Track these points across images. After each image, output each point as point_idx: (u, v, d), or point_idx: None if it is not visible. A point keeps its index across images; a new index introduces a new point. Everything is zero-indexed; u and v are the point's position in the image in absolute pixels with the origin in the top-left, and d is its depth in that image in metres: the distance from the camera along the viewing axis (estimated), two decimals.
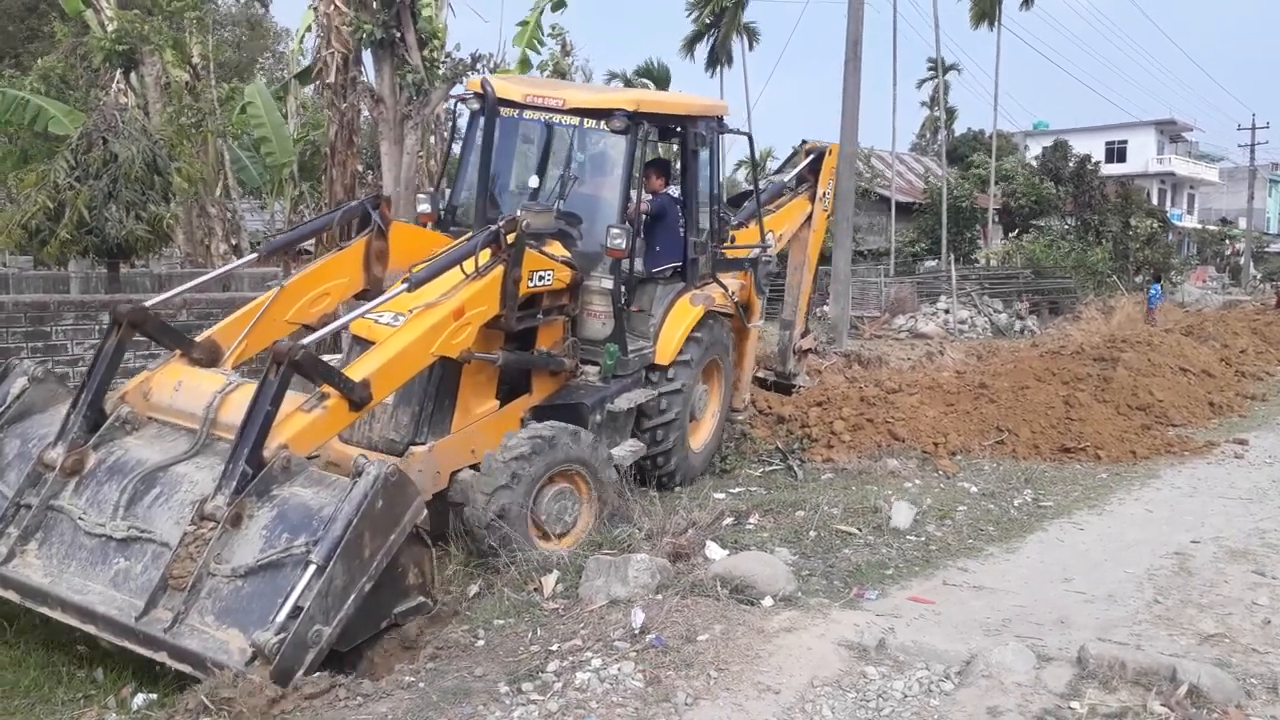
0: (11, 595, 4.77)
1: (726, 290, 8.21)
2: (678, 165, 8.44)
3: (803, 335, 10.58)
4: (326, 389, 5.10)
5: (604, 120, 7.05)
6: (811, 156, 10.35)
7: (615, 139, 7.24)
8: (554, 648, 4.62)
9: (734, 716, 4.02)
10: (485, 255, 6.08)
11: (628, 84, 39.45)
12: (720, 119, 8.25)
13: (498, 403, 6.66)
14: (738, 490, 7.87)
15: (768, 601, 5.11)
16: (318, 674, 4.50)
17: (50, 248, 10.29)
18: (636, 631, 4.63)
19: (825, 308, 18.21)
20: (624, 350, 7.17)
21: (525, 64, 15.91)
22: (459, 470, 6.19)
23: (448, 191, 7.97)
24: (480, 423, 6.48)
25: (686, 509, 6.55)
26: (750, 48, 40.48)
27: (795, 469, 8.55)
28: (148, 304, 5.63)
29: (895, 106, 42.32)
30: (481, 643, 4.82)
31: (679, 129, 7.84)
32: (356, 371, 5.29)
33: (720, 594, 5.05)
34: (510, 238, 6.11)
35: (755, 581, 5.16)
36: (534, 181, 7.75)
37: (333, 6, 12.74)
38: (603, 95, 7.73)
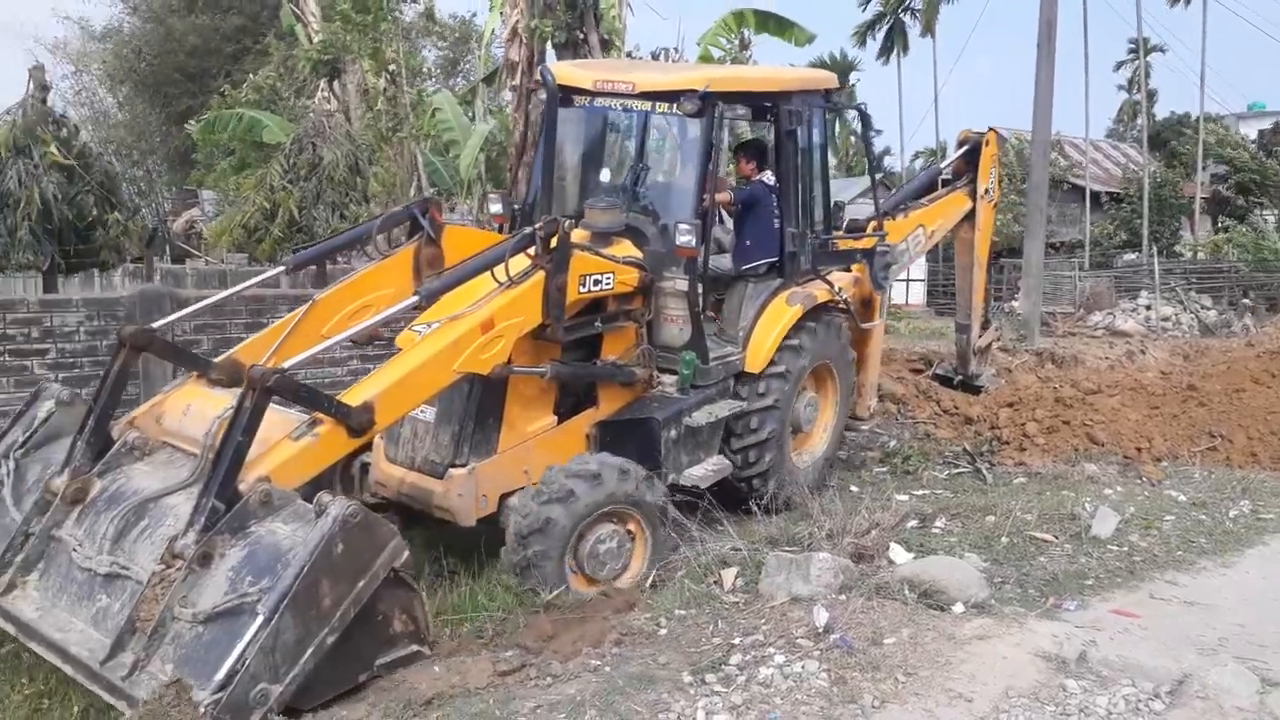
0: (10, 629, 4.57)
1: (833, 287, 7.40)
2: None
3: (982, 332, 10.07)
4: (319, 415, 4.67)
5: (675, 103, 6.34)
6: (966, 147, 9.45)
7: (690, 123, 6.62)
8: (736, 641, 4.63)
9: None
10: (522, 261, 5.58)
11: None
12: (826, 93, 7.45)
13: (555, 418, 6.14)
14: (922, 493, 7.63)
15: (958, 608, 4.94)
16: (510, 651, 4.70)
17: (265, 245, 11.16)
18: (820, 630, 4.57)
19: (1014, 303, 17.42)
20: (704, 358, 6.50)
21: (707, 60, 15.97)
22: (510, 493, 5.72)
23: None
24: (534, 440, 5.98)
25: (869, 509, 6.39)
26: (922, 34, 39.26)
27: (984, 472, 8.20)
28: (155, 324, 5.31)
29: (1088, 90, 39.97)
30: (664, 631, 4.86)
31: (770, 107, 7.07)
32: (358, 394, 4.82)
33: (908, 598, 4.93)
34: (551, 241, 5.59)
35: (945, 587, 5.00)
36: (605, 175, 7.12)
37: (517, 9, 13.18)
38: (676, 75, 6.96)
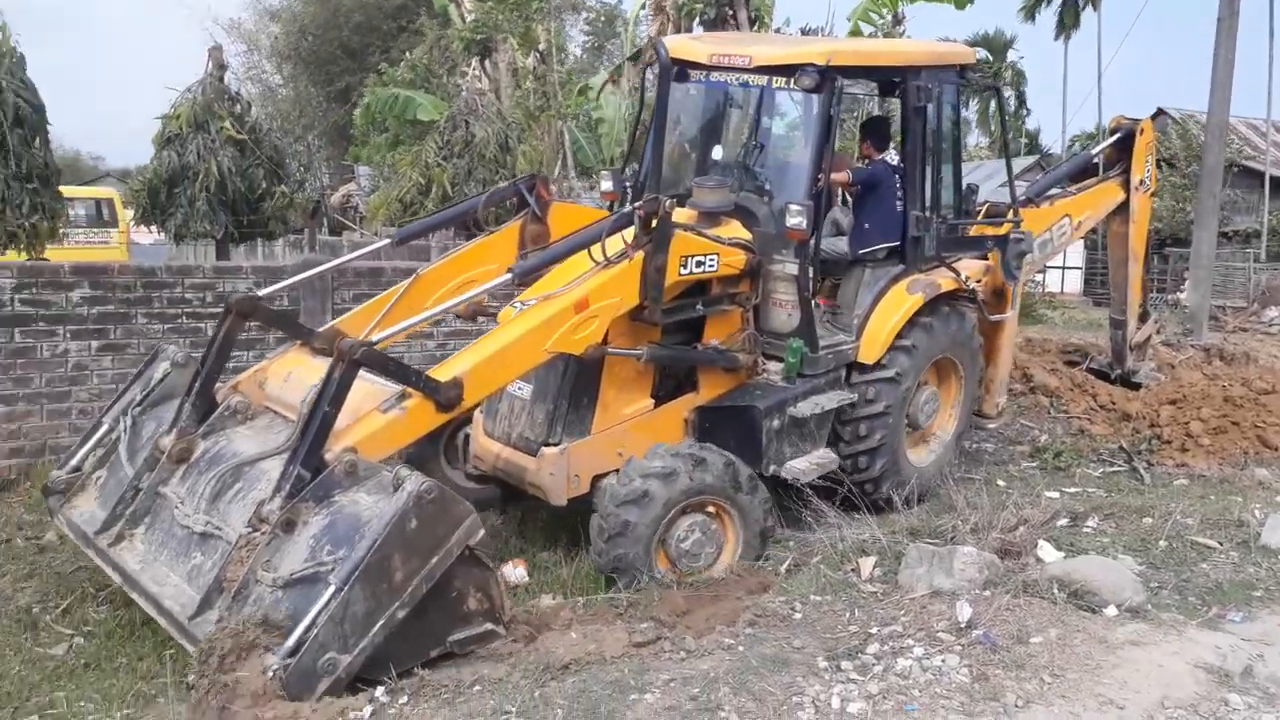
0: (116, 578, 4.81)
1: (959, 276, 6.90)
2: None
3: (1139, 326, 9.53)
4: (408, 389, 4.74)
5: (793, 78, 5.99)
6: (1119, 135, 8.82)
7: (808, 99, 6.21)
8: (873, 630, 4.55)
9: None
10: (620, 241, 5.47)
11: None
12: (961, 69, 6.93)
13: (652, 401, 6.04)
14: (1074, 490, 7.30)
15: (1111, 610, 4.72)
16: (645, 624, 4.76)
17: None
18: (962, 625, 4.45)
19: (1180, 294, 16.42)
20: (813, 346, 6.19)
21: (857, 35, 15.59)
22: (604, 475, 5.67)
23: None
24: (630, 423, 5.90)
25: (1017, 505, 6.18)
26: (1083, 6, 37.20)
27: (1142, 472, 7.79)
28: (260, 293, 5.49)
29: (1271, 68, 36.99)
30: (799, 615, 4.83)
31: (898, 83, 6.67)
32: (447, 369, 4.87)
33: (1056, 597, 4.74)
34: (651, 220, 5.43)
35: (1098, 588, 4.78)
36: (718, 153, 6.84)
37: None
38: (796, 48, 6.57)
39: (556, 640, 4.55)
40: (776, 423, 6.09)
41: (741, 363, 6.18)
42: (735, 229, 6.12)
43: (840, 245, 6.74)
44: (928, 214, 6.71)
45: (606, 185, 6.77)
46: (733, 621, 4.82)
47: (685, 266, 5.71)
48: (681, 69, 6.67)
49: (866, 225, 6.72)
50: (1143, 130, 8.90)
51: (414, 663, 4.24)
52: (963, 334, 7.03)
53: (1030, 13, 38.82)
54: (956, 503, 6.19)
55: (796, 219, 5.88)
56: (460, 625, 4.40)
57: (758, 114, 6.79)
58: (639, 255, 5.43)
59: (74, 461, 5.46)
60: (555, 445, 5.70)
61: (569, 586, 5.56)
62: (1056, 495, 7.01)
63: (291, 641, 3.88)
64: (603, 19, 33.93)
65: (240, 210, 11.36)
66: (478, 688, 4.14)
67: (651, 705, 3.92)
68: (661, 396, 6.12)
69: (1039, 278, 20.32)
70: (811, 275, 6.25)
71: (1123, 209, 8.92)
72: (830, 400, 6.32)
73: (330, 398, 4.45)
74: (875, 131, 7.13)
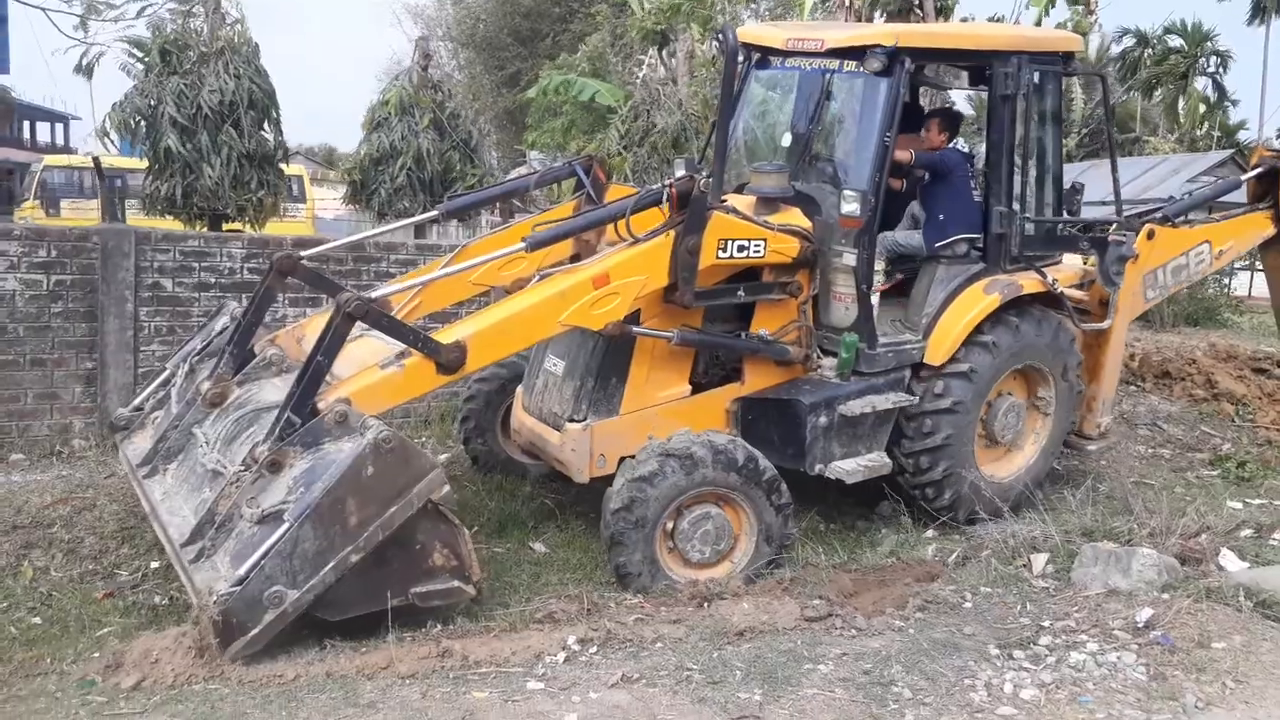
0: (145, 507, 5.07)
1: (1047, 279, 6.48)
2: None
3: None
4: (409, 348, 4.80)
5: (861, 61, 5.81)
6: (1260, 170, 7.94)
7: (876, 82, 5.95)
8: (1045, 624, 4.65)
9: None
10: (647, 219, 5.36)
11: (1142, 41, 35.33)
12: (1064, 56, 6.55)
13: (689, 387, 5.89)
14: (1259, 502, 7.03)
15: None
16: (816, 600, 4.97)
17: None
18: (1140, 625, 4.49)
19: None
20: (870, 342, 5.96)
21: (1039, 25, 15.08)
22: (632, 457, 5.42)
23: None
24: (663, 407, 5.74)
25: (1199, 512, 6.05)
26: None
27: None
28: (304, 253, 5.72)
29: None
30: (969, 605, 4.95)
31: (983, 69, 6.37)
32: (452, 332, 4.92)
33: (1242, 605, 4.69)
34: (679, 201, 5.28)
35: None
36: (786, 140, 6.57)
37: None
38: (868, 31, 6.24)
39: (729, 608, 4.84)
40: (824, 420, 5.89)
41: (791, 355, 5.96)
42: (792, 216, 5.91)
43: (915, 239, 6.45)
44: (1011, 210, 6.36)
45: (681, 173, 6.46)
46: (902, 606, 4.98)
47: (725, 250, 5.54)
48: (762, 56, 6.64)
49: (941, 216, 6.39)
50: None
51: (372, 608, 4.35)
52: (1057, 342, 6.59)
53: None
54: (1133, 506, 6.11)
55: (850, 206, 5.70)
56: (424, 579, 4.45)
57: (828, 100, 6.55)
58: (669, 235, 5.35)
59: (136, 401, 5.98)
60: (579, 422, 5.64)
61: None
62: (1240, 506, 6.81)
63: (242, 570, 4.05)
64: (780, 7, 33.72)
65: (435, 191, 12.10)
66: (659, 644, 4.48)
67: (826, 675, 4.16)
68: (707, 384, 6.02)
69: (1224, 280, 19.17)
70: (881, 269, 6.07)
71: (1277, 240, 8.15)
72: (885, 401, 6.06)
73: (324, 349, 4.61)
74: (944, 117, 6.74)
